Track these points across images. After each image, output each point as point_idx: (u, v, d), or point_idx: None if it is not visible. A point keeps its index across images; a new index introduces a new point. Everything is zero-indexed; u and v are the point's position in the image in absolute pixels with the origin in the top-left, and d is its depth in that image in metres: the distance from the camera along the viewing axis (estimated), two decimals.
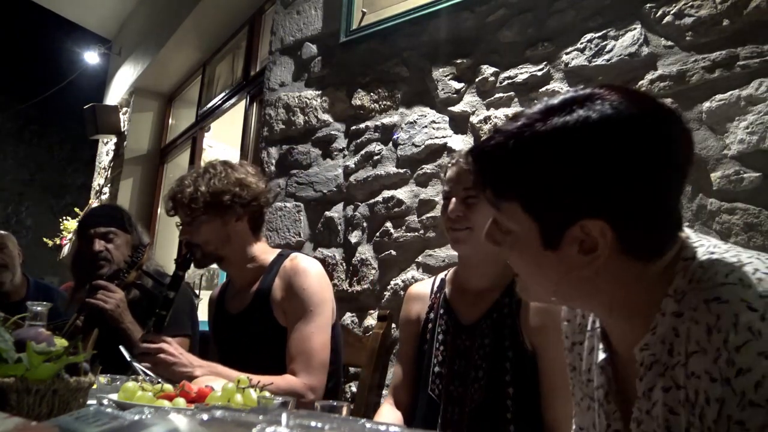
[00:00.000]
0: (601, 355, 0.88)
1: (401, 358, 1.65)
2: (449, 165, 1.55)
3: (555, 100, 0.78)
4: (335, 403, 0.84)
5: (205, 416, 0.60)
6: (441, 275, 1.67)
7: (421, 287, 1.69)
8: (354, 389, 2.25)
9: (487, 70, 2.21)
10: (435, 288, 1.64)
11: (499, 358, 1.42)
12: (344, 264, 2.53)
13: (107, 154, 6.12)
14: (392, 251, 2.36)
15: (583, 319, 0.96)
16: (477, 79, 2.24)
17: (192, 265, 1.79)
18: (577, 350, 0.97)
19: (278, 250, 1.85)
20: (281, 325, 1.71)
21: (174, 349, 1.55)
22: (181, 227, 1.79)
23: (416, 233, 2.30)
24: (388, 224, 2.40)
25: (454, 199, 1.49)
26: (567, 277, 0.79)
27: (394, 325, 2.12)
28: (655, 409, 0.76)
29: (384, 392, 2.02)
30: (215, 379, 1.35)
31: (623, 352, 0.85)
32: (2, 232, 3.10)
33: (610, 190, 0.74)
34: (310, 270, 1.72)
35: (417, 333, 1.61)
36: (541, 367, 1.40)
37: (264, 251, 1.83)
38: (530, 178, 0.77)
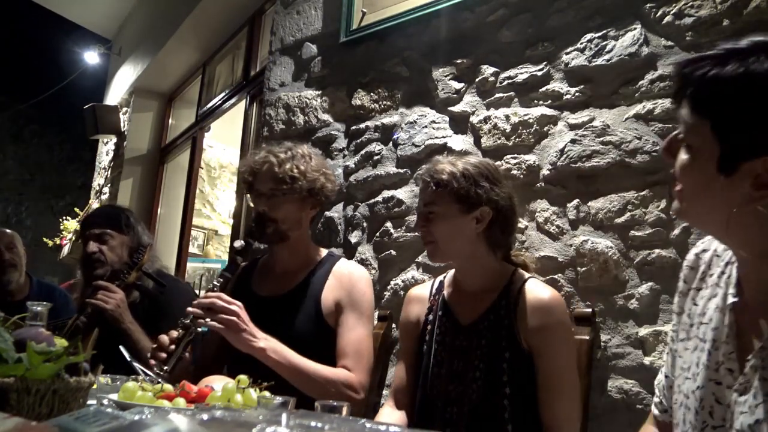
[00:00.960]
0: (731, 299, 0.92)
1: (401, 360, 1.66)
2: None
3: None
4: (335, 403, 0.84)
5: (205, 416, 0.60)
6: (440, 277, 1.68)
7: (419, 290, 1.70)
8: None
9: (487, 70, 2.21)
10: (434, 290, 1.65)
11: (497, 358, 1.43)
12: None
13: (107, 154, 6.12)
14: (392, 251, 2.36)
15: (709, 269, 1.00)
16: (477, 79, 2.24)
17: (258, 238, 1.80)
18: (692, 295, 1.01)
19: (326, 249, 1.92)
20: (325, 321, 1.72)
21: (245, 316, 1.56)
22: (256, 198, 1.79)
23: (416, 233, 2.29)
24: (388, 224, 2.40)
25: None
26: (730, 206, 0.81)
27: (394, 325, 2.12)
28: None
29: (384, 392, 2.02)
30: (220, 379, 1.35)
31: (753, 301, 0.89)
32: (8, 231, 3.12)
33: None
34: (368, 279, 1.81)
35: (417, 335, 1.62)
36: (538, 366, 1.42)
37: (312, 244, 1.90)
38: (733, 103, 0.79)
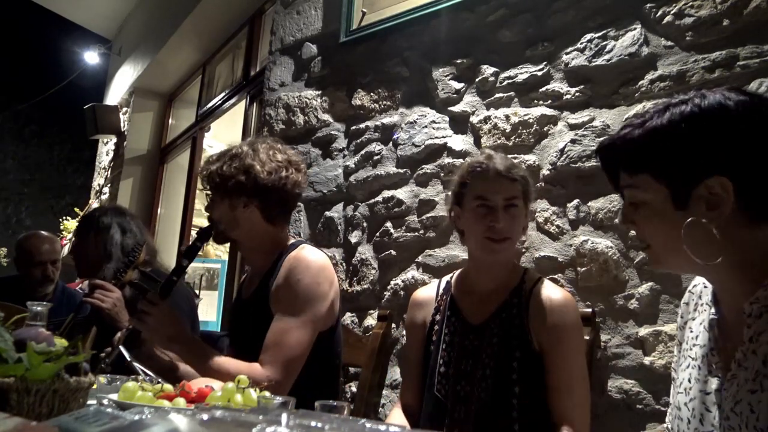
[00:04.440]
0: (711, 316, 0.99)
1: (408, 362, 1.66)
2: (477, 167, 1.52)
3: (673, 99, 0.94)
4: (335, 403, 0.84)
5: (205, 416, 0.60)
6: (446, 278, 1.67)
7: (425, 291, 1.69)
8: (354, 389, 2.25)
9: (487, 70, 2.21)
10: (440, 291, 1.64)
11: (507, 357, 1.43)
12: (344, 264, 2.53)
13: (107, 154, 6.12)
14: (392, 251, 2.36)
15: (699, 299, 1.08)
16: (477, 79, 2.24)
17: (211, 239, 1.81)
18: (689, 326, 1.08)
19: (294, 240, 1.81)
20: (272, 314, 1.66)
21: (164, 316, 1.58)
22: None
23: (416, 233, 2.30)
24: (388, 224, 2.40)
25: (491, 208, 1.48)
26: (695, 235, 0.90)
27: (394, 325, 2.12)
28: (761, 349, 0.86)
29: (384, 392, 2.02)
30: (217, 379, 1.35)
31: (730, 317, 0.95)
32: (55, 241, 3.12)
33: (729, 152, 0.87)
34: (311, 263, 1.65)
35: (423, 337, 1.61)
36: (549, 367, 1.42)
37: (281, 240, 1.78)
38: (661, 148, 0.91)
